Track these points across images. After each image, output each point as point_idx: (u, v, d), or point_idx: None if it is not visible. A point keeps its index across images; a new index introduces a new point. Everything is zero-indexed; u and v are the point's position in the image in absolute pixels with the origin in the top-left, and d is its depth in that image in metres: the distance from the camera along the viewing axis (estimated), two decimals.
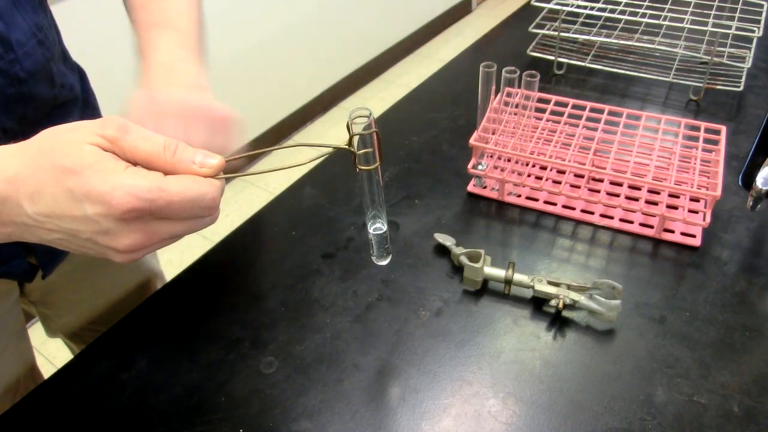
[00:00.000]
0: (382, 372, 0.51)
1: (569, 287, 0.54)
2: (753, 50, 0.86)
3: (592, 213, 0.66)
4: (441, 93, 0.91)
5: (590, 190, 0.68)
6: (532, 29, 0.93)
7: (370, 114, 0.39)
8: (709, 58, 0.82)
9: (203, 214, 0.35)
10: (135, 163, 0.34)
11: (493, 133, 0.68)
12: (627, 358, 0.51)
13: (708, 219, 0.59)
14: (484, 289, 0.58)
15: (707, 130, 0.66)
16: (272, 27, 2.23)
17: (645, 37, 0.92)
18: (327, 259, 0.62)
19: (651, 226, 0.63)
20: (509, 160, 0.68)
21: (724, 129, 0.66)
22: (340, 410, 0.48)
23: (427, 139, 0.79)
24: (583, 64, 0.91)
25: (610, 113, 0.70)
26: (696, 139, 0.66)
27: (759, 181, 0.54)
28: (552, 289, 0.54)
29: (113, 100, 0.71)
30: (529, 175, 0.68)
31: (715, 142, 0.65)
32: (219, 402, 0.50)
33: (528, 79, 0.62)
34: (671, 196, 0.65)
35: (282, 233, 0.67)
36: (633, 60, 0.92)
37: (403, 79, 2.89)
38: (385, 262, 0.50)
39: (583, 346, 0.52)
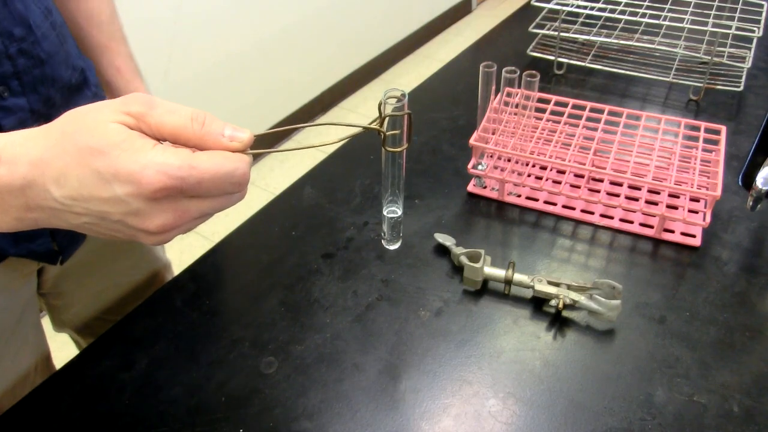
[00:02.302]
0: (382, 372, 0.51)
1: (569, 287, 0.54)
2: (753, 50, 0.86)
3: (592, 213, 0.65)
4: (441, 93, 0.91)
5: (590, 190, 0.68)
6: (532, 29, 0.93)
7: (405, 95, 0.38)
8: (709, 58, 0.82)
9: (234, 190, 0.35)
10: (162, 139, 0.33)
11: (493, 133, 0.68)
12: (627, 358, 0.51)
13: (708, 219, 0.59)
14: (484, 289, 0.58)
15: (707, 130, 0.66)
16: (272, 27, 2.23)
17: (645, 37, 0.92)
18: (327, 259, 0.62)
19: (651, 226, 0.63)
20: (509, 160, 0.68)
21: (724, 129, 0.66)
22: (340, 410, 0.48)
23: (427, 139, 0.79)
24: (583, 64, 0.91)
25: (610, 113, 0.70)
26: (696, 139, 0.66)
27: (759, 181, 0.54)
28: (552, 289, 0.54)
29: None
30: (529, 175, 0.68)
31: (715, 142, 0.65)
32: (219, 402, 0.50)
33: (528, 79, 0.62)
34: (671, 196, 0.65)
35: (282, 233, 0.67)
36: (633, 60, 0.92)
37: (403, 79, 2.89)
38: (395, 246, 0.51)
39: (583, 346, 0.52)
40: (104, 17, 0.71)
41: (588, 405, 0.48)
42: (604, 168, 0.63)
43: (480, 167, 0.69)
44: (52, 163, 0.32)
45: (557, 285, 0.54)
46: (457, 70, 0.99)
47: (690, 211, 0.63)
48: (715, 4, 0.87)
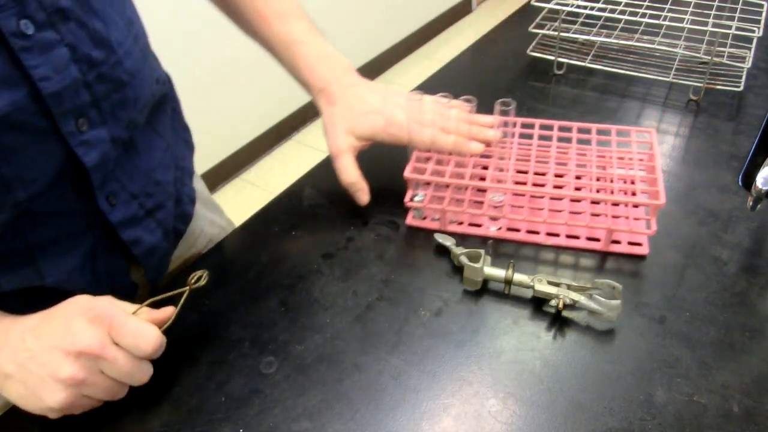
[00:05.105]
0: (382, 372, 0.51)
1: (569, 287, 0.54)
2: (753, 50, 0.86)
3: (537, 233, 0.63)
4: (441, 93, 0.91)
5: (532, 209, 0.63)
6: (532, 29, 0.93)
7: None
8: (709, 58, 0.82)
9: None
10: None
11: (428, 160, 0.64)
12: (627, 358, 0.51)
13: (654, 227, 0.58)
14: (484, 289, 0.58)
15: (638, 134, 0.65)
16: None
17: (645, 37, 0.92)
18: (327, 259, 0.62)
19: (598, 239, 0.61)
20: (448, 187, 0.64)
21: (653, 132, 0.65)
22: (340, 410, 0.48)
23: None
24: (583, 64, 0.91)
25: (543, 127, 0.67)
26: (629, 145, 0.65)
27: (759, 181, 0.54)
28: (552, 289, 0.54)
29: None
30: (470, 201, 0.64)
31: (648, 146, 0.63)
32: (219, 402, 0.50)
33: (503, 108, 0.60)
34: (615, 205, 0.63)
35: (282, 233, 0.67)
36: (633, 60, 0.92)
37: (403, 79, 2.89)
38: None
39: (583, 346, 0.52)
40: None
41: (588, 405, 0.48)
42: (544, 185, 0.61)
43: (417, 198, 0.65)
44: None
45: (557, 285, 0.54)
46: (457, 70, 0.99)
47: (636, 218, 0.61)
48: (715, 4, 0.87)
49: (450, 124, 0.63)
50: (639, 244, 0.61)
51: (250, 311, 0.57)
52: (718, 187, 0.68)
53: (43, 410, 0.45)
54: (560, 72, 0.93)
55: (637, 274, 0.58)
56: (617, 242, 0.61)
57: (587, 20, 0.94)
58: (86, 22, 0.47)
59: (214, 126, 2.11)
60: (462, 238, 0.64)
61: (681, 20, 0.81)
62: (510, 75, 0.93)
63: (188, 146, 0.71)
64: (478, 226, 0.65)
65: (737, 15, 0.84)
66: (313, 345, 0.54)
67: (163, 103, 0.63)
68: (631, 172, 0.64)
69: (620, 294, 0.52)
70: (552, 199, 0.65)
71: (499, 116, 0.62)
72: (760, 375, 0.49)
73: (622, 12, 0.86)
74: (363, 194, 0.64)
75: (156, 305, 0.51)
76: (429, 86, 0.93)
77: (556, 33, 0.90)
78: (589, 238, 0.62)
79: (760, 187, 0.54)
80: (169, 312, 0.51)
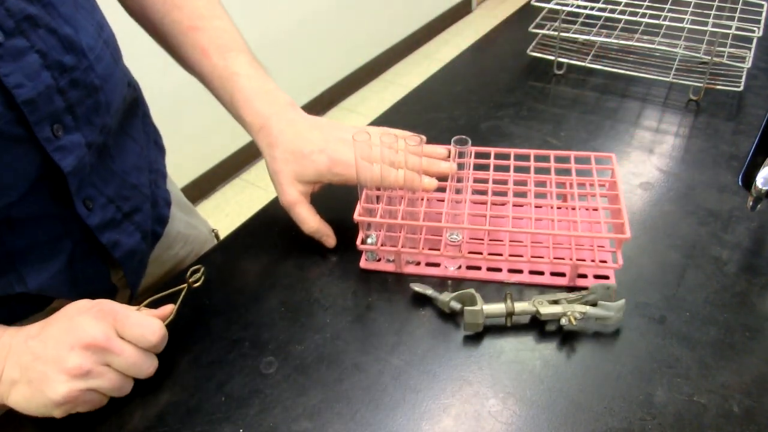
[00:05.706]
0: (382, 372, 0.51)
1: (568, 301, 0.53)
2: (753, 50, 0.86)
3: (499, 270, 0.59)
4: (441, 93, 0.91)
5: (493, 243, 0.59)
6: (532, 29, 0.93)
7: None
8: (709, 58, 0.82)
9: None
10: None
11: (378, 199, 0.59)
12: (627, 358, 0.51)
13: (620, 261, 0.54)
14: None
15: (598, 161, 0.61)
16: (272, 27, 2.23)
17: (645, 37, 0.92)
18: (327, 260, 0.62)
19: (563, 274, 0.58)
20: (402, 228, 0.59)
21: (613, 157, 0.61)
22: (340, 410, 0.48)
23: (427, 140, 0.79)
24: (583, 64, 0.91)
25: (498, 156, 0.62)
26: (590, 173, 0.61)
27: (759, 181, 0.54)
28: (557, 309, 0.52)
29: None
30: (425, 239, 0.59)
31: (609, 173, 0.60)
32: (219, 402, 0.50)
33: (458, 148, 0.55)
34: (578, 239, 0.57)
35: (282, 233, 0.67)
36: (633, 60, 0.93)
37: (403, 79, 2.89)
38: None
39: (583, 346, 0.52)
40: None
41: (588, 405, 0.48)
42: (504, 218, 0.58)
43: (369, 240, 0.60)
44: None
45: (557, 302, 0.53)
46: (457, 70, 0.99)
47: (600, 247, 0.57)
48: (715, 4, 0.87)
49: (400, 157, 0.57)
50: (606, 277, 0.58)
51: (250, 311, 0.57)
52: (718, 187, 0.68)
53: (48, 407, 0.45)
54: (560, 72, 0.93)
55: (637, 274, 0.58)
56: (584, 276, 0.58)
57: (587, 20, 0.94)
58: (56, 28, 0.46)
59: (214, 126, 2.11)
60: (421, 280, 0.59)
61: (681, 20, 0.81)
62: (510, 75, 0.93)
63: (160, 149, 0.71)
64: (437, 265, 0.60)
65: (737, 15, 0.84)
66: (313, 345, 0.54)
67: (134, 107, 0.62)
68: (593, 201, 0.60)
69: (615, 292, 0.52)
70: (512, 242, 0.60)
71: (454, 148, 0.55)
72: (760, 375, 0.49)
73: (622, 12, 0.86)
74: (329, 239, 0.62)
75: (155, 304, 0.51)
76: (429, 86, 0.94)
77: (556, 33, 0.90)
78: (554, 273, 0.58)
79: (760, 187, 0.54)
80: (169, 309, 0.52)
